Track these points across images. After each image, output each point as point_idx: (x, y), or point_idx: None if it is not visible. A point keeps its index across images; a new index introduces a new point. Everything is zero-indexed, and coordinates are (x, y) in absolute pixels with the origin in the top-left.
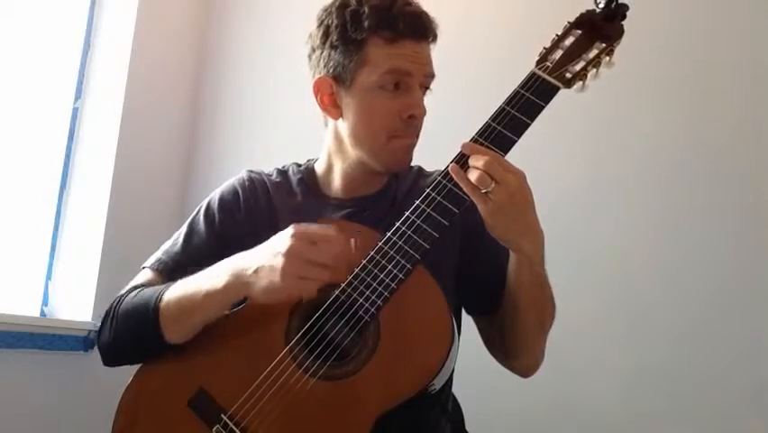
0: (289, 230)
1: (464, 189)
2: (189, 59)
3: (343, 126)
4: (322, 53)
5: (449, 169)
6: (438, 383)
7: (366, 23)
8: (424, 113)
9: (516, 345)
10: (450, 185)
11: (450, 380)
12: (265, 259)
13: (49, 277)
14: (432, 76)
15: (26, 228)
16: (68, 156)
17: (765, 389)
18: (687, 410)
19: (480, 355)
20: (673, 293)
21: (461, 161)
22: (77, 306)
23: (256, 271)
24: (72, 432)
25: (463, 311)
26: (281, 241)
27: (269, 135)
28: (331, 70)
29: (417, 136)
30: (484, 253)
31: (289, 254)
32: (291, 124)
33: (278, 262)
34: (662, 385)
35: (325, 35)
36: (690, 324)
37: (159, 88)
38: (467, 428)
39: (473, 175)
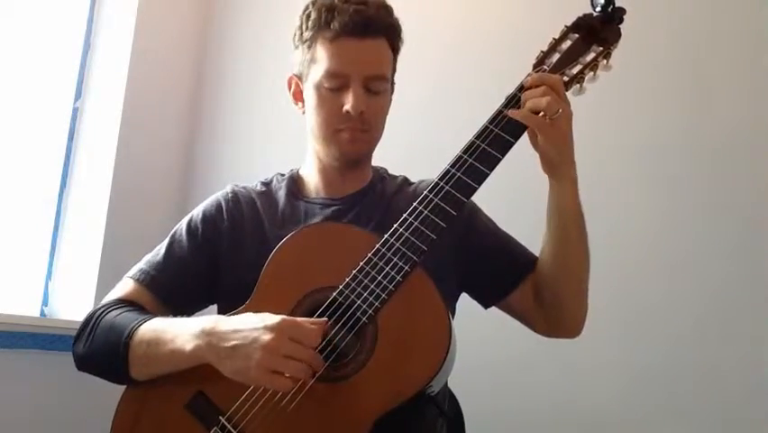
0: (276, 320)
1: (526, 122)
2: (189, 59)
3: (306, 119)
4: (294, 54)
5: (508, 113)
6: (437, 386)
7: (311, 23)
8: (362, 109)
9: (568, 291)
10: (447, 186)
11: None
12: (245, 341)
13: (49, 277)
14: (376, 78)
15: (26, 228)
16: (68, 156)
17: (765, 388)
18: (687, 410)
19: (480, 355)
20: (673, 293)
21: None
22: (77, 306)
23: (232, 349)
24: (72, 432)
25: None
26: (264, 329)
27: (269, 134)
28: (295, 69)
29: (367, 130)
30: (486, 238)
31: (267, 349)
32: (290, 122)
33: (256, 352)
34: (661, 385)
35: (293, 38)
36: (689, 323)
37: (159, 88)
38: (467, 427)
39: (538, 104)
